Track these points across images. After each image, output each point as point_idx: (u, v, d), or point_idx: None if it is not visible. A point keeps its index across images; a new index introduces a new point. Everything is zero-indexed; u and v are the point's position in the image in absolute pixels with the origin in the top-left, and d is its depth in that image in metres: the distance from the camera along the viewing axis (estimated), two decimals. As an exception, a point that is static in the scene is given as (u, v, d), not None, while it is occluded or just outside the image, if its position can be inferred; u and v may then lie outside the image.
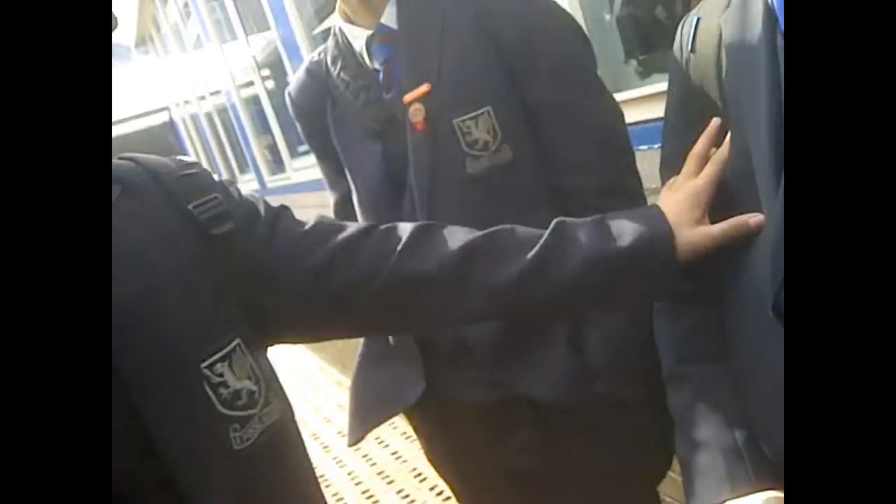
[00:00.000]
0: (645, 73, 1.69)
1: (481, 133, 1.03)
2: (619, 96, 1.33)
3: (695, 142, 0.82)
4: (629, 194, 1.06)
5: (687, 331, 0.85)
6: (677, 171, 0.85)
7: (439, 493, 2.72)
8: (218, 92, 6.06)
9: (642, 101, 1.51)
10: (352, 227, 0.89)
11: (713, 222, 0.81)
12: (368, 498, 2.92)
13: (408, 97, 1.05)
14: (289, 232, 0.87)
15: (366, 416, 1.21)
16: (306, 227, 0.88)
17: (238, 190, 0.89)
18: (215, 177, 0.88)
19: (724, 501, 0.75)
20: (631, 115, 1.29)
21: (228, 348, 0.77)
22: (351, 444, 1.23)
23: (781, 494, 0.73)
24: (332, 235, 0.87)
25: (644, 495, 1.18)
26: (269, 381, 0.82)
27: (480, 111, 1.03)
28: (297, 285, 0.85)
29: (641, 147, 1.27)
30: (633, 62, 1.74)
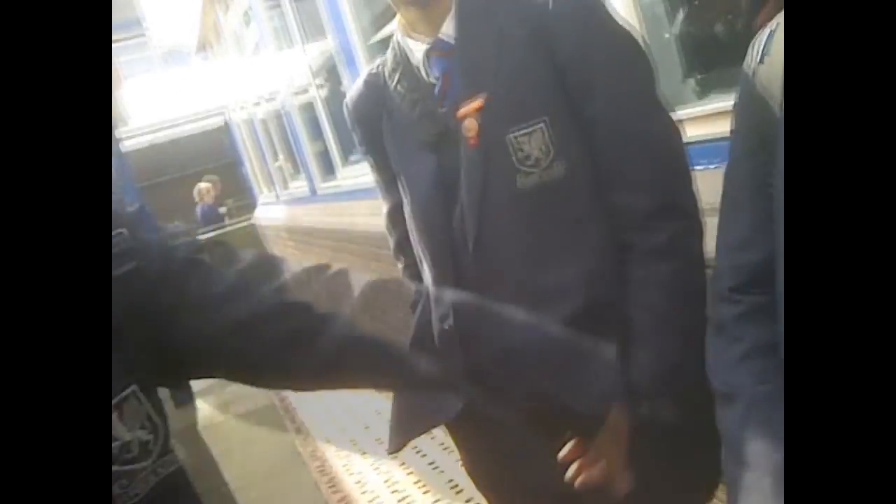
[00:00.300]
0: (703, 92, 1.68)
1: (533, 149, 1.03)
2: (676, 114, 1.33)
3: (756, 161, 0.80)
4: (684, 213, 1.04)
5: (744, 351, 0.83)
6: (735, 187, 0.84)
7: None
8: (274, 98, 6.18)
9: (700, 120, 1.50)
10: (268, 276, 0.85)
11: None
12: (404, 505, 2.92)
13: (461, 111, 1.06)
14: (200, 276, 0.81)
15: (406, 426, 1.21)
16: (219, 274, 0.82)
17: (157, 226, 0.87)
18: (129, 209, 0.85)
19: None
20: (688, 133, 1.28)
21: (120, 396, 0.71)
22: (391, 452, 1.23)
23: None
24: (246, 287, 0.82)
25: None
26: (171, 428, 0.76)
27: (534, 127, 1.02)
28: (202, 328, 0.79)
29: (698, 166, 1.25)
30: (692, 80, 1.73)
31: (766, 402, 0.80)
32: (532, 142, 1.03)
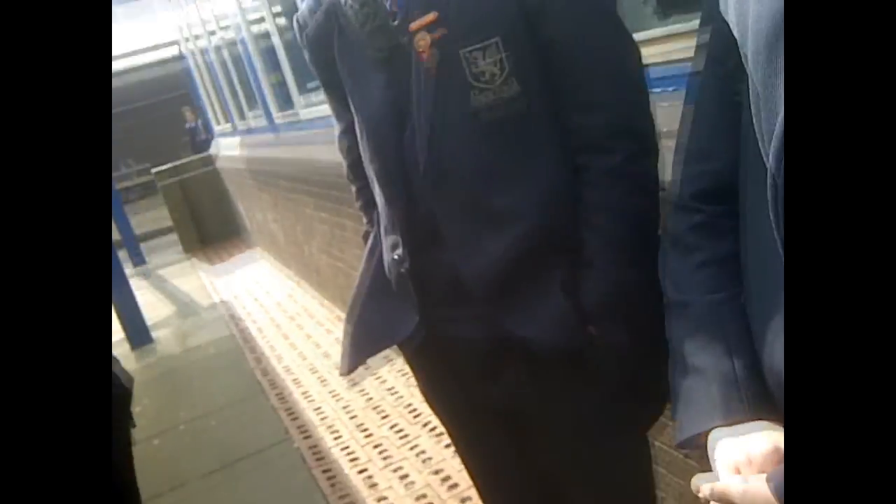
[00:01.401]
0: (664, 14, 1.64)
1: (488, 65, 1.00)
2: (636, 36, 1.28)
3: (723, 69, 0.78)
4: (639, 135, 1.03)
5: (700, 261, 0.83)
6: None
7: (432, 430, 2.78)
8: (228, 27, 5.98)
9: (659, 42, 1.47)
10: None
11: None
12: (363, 431, 2.99)
13: (414, 24, 1.03)
14: None
15: (359, 347, 1.22)
16: None
17: None
18: None
19: (715, 428, 0.75)
20: (648, 56, 1.25)
21: None
22: (343, 374, 1.24)
23: (776, 426, 0.72)
24: None
25: (634, 440, 1.18)
26: None
27: (488, 42, 0.99)
28: None
29: (655, 89, 1.24)
30: (652, 1, 1.69)
31: (717, 310, 0.80)
32: (486, 57, 1.00)
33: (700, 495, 0.73)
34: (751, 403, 0.74)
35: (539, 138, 1.04)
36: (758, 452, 0.71)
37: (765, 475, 0.67)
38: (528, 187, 1.04)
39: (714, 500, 0.71)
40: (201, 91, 8.74)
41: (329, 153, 3.60)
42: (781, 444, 0.70)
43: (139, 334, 4.89)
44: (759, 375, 0.75)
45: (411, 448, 2.73)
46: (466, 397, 1.21)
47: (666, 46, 1.45)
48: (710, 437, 0.76)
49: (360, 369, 2.84)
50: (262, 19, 4.80)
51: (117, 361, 1.52)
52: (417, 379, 1.31)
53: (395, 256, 1.12)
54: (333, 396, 3.38)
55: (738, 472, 0.72)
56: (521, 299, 1.06)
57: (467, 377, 1.18)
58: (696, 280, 0.83)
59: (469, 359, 1.15)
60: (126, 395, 1.50)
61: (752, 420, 0.74)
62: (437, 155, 1.04)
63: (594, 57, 1.01)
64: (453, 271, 1.08)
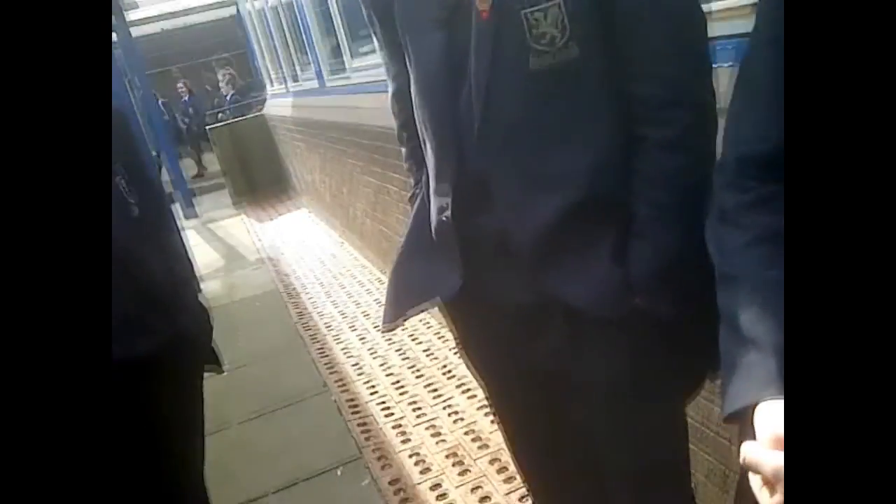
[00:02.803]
0: None
1: (549, 27, 0.98)
2: (706, 6, 1.24)
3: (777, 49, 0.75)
4: (698, 107, 1.01)
5: (752, 238, 0.81)
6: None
7: (466, 391, 2.86)
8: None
9: (724, 15, 1.41)
10: None
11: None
12: (398, 387, 3.08)
13: None
14: None
15: (401, 301, 1.24)
16: None
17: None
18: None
19: (768, 400, 0.72)
20: (714, 30, 1.18)
21: None
22: (384, 329, 1.27)
23: None
24: None
25: (671, 410, 1.18)
26: None
27: (551, 3, 0.97)
28: None
29: (721, 64, 1.18)
30: None
31: (772, 286, 0.77)
32: (548, 19, 0.98)
33: (741, 460, 0.71)
34: None
35: (596, 104, 1.02)
36: None
37: None
38: (583, 153, 1.03)
39: (747, 466, 0.70)
40: (256, 52, 8.85)
41: (377, 117, 3.65)
42: None
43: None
44: None
45: (444, 407, 2.81)
46: (505, 356, 1.22)
47: (733, 22, 1.39)
48: (760, 408, 0.73)
49: (398, 329, 2.89)
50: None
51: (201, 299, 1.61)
52: (457, 335, 1.32)
53: (444, 217, 1.13)
54: (371, 353, 3.48)
55: (780, 443, 0.69)
56: (568, 264, 1.06)
57: (507, 337, 1.19)
58: (749, 256, 0.81)
59: (510, 320, 1.16)
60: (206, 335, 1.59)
61: None
62: (492, 115, 1.03)
63: (658, 26, 0.99)
64: (501, 233, 1.08)
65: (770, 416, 0.72)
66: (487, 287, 1.14)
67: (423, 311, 1.25)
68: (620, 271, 1.04)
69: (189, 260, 1.61)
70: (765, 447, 0.69)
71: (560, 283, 1.07)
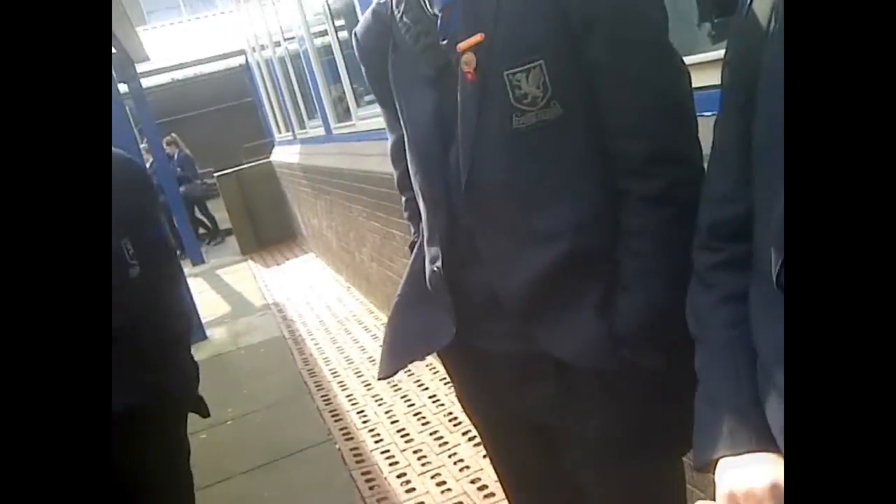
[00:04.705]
0: (718, 37, 1.63)
1: (531, 87, 1.00)
2: (689, 59, 1.27)
3: (744, 116, 0.80)
4: (683, 161, 1.02)
5: (718, 298, 0.86)
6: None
7: (471, 439, 2.81)
8: (292, 38, 6.17)
9: (713, 66, 1.44)
10: None
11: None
12: (403, 436, 3.04)
13: (461, 45, 1.04)
14: None
15: (397, 353, 1.25)
16: None
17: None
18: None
19: (721, 458, 0.77)
20: (700, 80, 1.24)
21: None
22: (380, 378, 1.27)
23: (778, 458, 0.74)
24: None
25: (665, 463, 1.17)
26: None
27: (532, 64, 0.99)
28: None
29: (706, 113, 1.19)
30: (707, 25, 1.69)
31: (732, 345, 0.82)
32: (530, 80, 1.00)
33: None
34: (757, 437, 0.76)
35: (580, 161, 1.03)
36: (757, 486, 0.73)
37: None
38: (568, 209, 1.04)
39: None
40: (264, 99, 9.01)
41: (382, 164, 3.69)
42: (780, 481, 0.72)
43: (194, 331, 5.07)
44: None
45: (450, 455, 2.77)
46: (498, 406, 1.23)
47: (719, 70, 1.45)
48: (718, 465, 0.79)
49: (404, 375, 2.87)
50: (324, 32, 4.95)
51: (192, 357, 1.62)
52: (454, 385, 1.34)
53: (435, 268, 1.15)
54: (376, 401, 3.45)
55: (734, 501, 0.74)
56: (555, 319, 1.07)
57: (500, 388, 1.19)
58: (715, 315, 0.85)
59: (502, 371, 1.17)
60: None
61: (759, 452, 0.75)
62: (478, 173, 1.05)
63: (639, 82, 1.00)
64: (490, 287, 1.09)
65: (723, 476, 0.77)
66: (480, 337, 1.16)
67: (418, 360, 1.25)
68: (607, 324, 1.04)
69: (186, 314, 1.61)
70: None
71: (548, 336, 1.08)
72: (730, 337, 0.83)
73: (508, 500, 1.41)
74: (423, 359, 1.26)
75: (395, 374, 1.25)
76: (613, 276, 1.05)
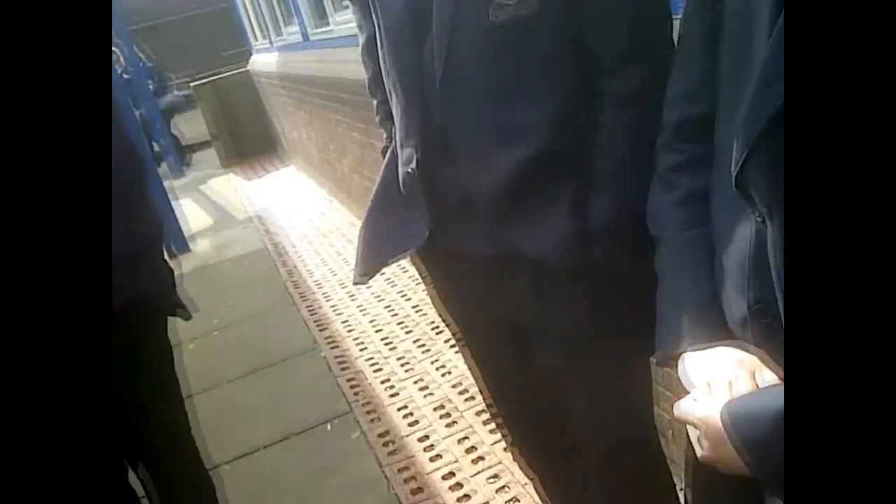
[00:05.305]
0: None
1: None
2: None
3: (710, 13, 0.79)
4: (657, 60, 1.01)
5: (677, 198, 0.87)
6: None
7: (452, 345, 2.88)
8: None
9: None
10: None
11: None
12: (387, 343, 3.11)
13: None
14: None
15: (371, 256, 1.27)
16: None
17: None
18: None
19: (686, 349, 0.80)
20: None
21: None
22: (356, 282, 1.30)
23: (737, 346, 0.76)
24: None
25: (631, 362, 1.20)
26: None
27: None
28: None
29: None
30: None
31: (690, 245, 0.85)
32: None
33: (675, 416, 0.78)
34: (718, 329, 0.79)
35: (555, 58, 1.04)
36: (722, 367, 0.75)
37: (725, 401, 0.71)
38: (541, 106, 1.04)
39: (679, 421, 0.76)
40: (240, 5, 8.67)
41: (361, 71, 3.58)
42: (744, 357, 0.75)
43: (178, 243, 5.07)
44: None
45: (432, 361, 2.85)
46: (473, 305, 1.26)
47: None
48: (680, 360, 0.82)
49: (387, 286, 2.89)
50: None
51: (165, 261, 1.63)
52: (429, 287, 1.37)
53: (409, 170, 1.15)
54: (361, 310, 3.50)
55: (704, 388, 0.76)
56: (527, 216, 1.09)
57: (474, 287, 1.23)
58: (674, 216, 0.87)
59: (476, 272, 1.20)
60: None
61: (719, 345, 0.78)
62: (453, 68, 1.05)
63: None
64: (464, 186, 1.11)
65: (686, 367, 0.79)
66: (453, 238, 1.18)
67: (393, 263, 1.27)
68: (578, 223, 1.07)
69: (157, 221, 1.60)
70: (698, 392, 0.75)
71: (519, 235, 1.10)
72: (689, 236, 0.85)
73: (490, 405, 1.46)
74: (397, 260, 1.27)
75: (371, 277, 1.28)
76: (585, 176, 1.07)
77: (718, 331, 0.79)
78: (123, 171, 1.47)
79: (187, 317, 1.65)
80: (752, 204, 0.70)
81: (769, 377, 0.71)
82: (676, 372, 0.82)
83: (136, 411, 1.49)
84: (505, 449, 2.19)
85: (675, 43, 1.00)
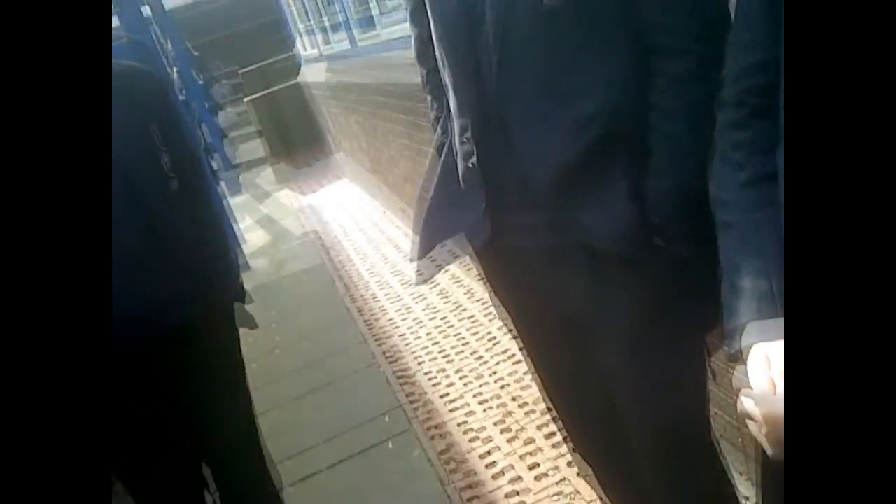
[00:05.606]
0: None
1: None
2: None
3: None
4: (715, 36, 0.97)
5: (745, 179, 0.84)
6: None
7: (510, 357, 2.85)
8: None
9: None
10: None
11: None
12: (444, 357, 3.09)
13: None
14: None
15: (429, 234, 1.24)
16: None
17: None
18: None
19: (753, 344, 0.78)
20: None
21: None
22: (413, 260, 1.28)
23: None
24: None
25: (690, 349, 1.18)
26: None
27: None
28: None
29: None
30: None
31: (758, 229, 0.82)
32: None
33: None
34: (783, 304, 0.76)
35: (611, 41, 1.01)
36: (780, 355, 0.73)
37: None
38: (600, 93, 1.03)
39: (744, 416, 0.74)
40: (289, 18, 8.81)
41: (410, 75, 3.58)
42: None
43: (238, 262, 5.16)
44: None
45: (491, 374, 2.81)
46: (532, 300, 1.25)
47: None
48: (745, 331, 0.80)
49: (441, 300, 2.86)
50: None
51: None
52: (489, 284, 1.35)
53: (470, 164, 1.14)
54: (418, 323, 3.49)
55: (774, 383, 0.74)
56: (587, 203, 1.07)
57: (534, 281, 1.21)
58: (741, 198, 0.84)
59: (534, 266, 1.18)
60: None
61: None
62: (509, 56, 1.04)
63: None
64: (523, 176, 1.09)
65: (754, 364, 0.77)
66: (513, 231, 1.16)
67: (449, 238, 1.25)
68: (639, 209, 1.04)
69: (223, 229, 1.65)
70: (756, 395, 0.73)
71: (580, 222, 1.08)
72: (759, 218, 0.82)
73: (547, 402, 1.45)
74: (454, 235, 1.25)
75: (427, 254, 1.26)
76: (645, 161, 1.04)
77: (783, 304, 0.76)
78: (190, 183, 1.50)
79: (253, 326, 1.67)
80: None
81: None
82: (746, 364, 0.79)
83: (210, 422, 1.51)
84: (569, 464, 2.14)
85: (733, 18, 0.96)
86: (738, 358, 0.82)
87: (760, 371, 0.75)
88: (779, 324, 0.76)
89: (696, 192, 0.95)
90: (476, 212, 1.16)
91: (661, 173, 1.03)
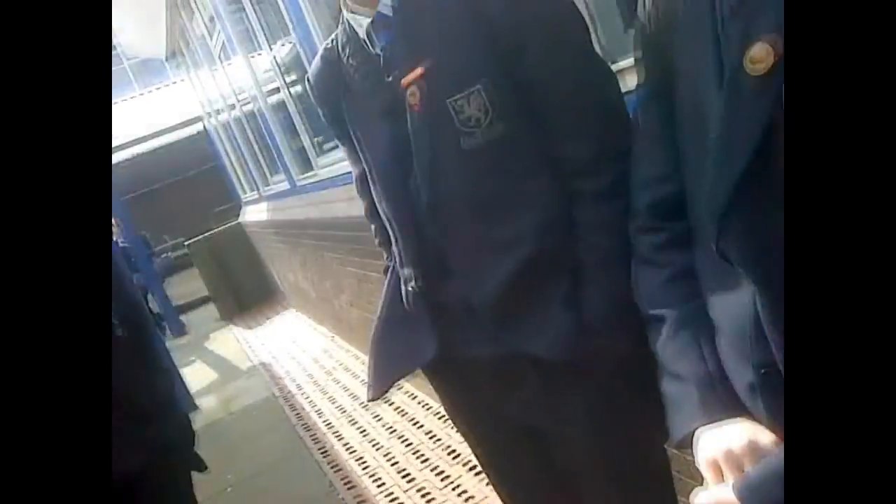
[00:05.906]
0: None
1: (473, 111, 1.08)
2: (621, 64, 1.39)
3: (663, 102, 0.85)
4: (625, 157, 1.04)
5: (669, 276, 0.89)
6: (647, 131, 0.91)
7: (471, 468, 2.81)
8: (248, 101, 6.23)
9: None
10: None
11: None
12: (405, 476, 3.03)
13: (405, 80, 1.11)
14: None
15: (383, 373, 1.30)
16: None
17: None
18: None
19: (698, 427, 0.80)
20: (632, 82, 1.32)
21: None
22: (370, 399, 1.32)
23: (751, 421, 0.76)
24: None
25: (651, 453, 1.21)
26: None
27: (471, 90, 1.07)
28: None
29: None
30: (632, 31, 1.77)
31: (690, 319, 0.86)
32: (471, 104, 1.07)
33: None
34: (728, 405, 0.79)
35: (530, 170, 1.11)
36: (735, 445, 0.75)
37: (731, 483, 0.71)
38: (525, 216, 1.11)
39: None
40: (226, 162, 9.04)
41: (349, 209, 3.72)
42: (757, 437, 0.75)
43: (185, 402, 5.01)
44: None
45: (453, 489, 2.76)
46: (485, 413, 1.28)
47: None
48: (694, 437, 0.81)
49: (398, 416, 2.86)
50: (277, 90, 5.01)
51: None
52: (442, 401, 1.38)
53: (411, 287, 1.21)
54: (374, 446, 3.43)
55: (717, 468, 0.76)
56: (526, 317, 1.13)
57: (484, 394, 1.25)
58: (668, 294, 0.89)
59: (484, 377, 1.22)
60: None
61: (732, 418, 0.78)
62: (438, 195, 1.13)
63: (572, 90, 1.08)
64: (464, 298, 1.16)
65: (700, 444, 0.79)
66: (461, 347, 1.21)
67: (404, 377, 1.30)
68: (575, 316, 1.10)
69: (169, 372, 1.67)
70: (708, 488, 0.74)
71: (521, 335, 1.14)
72: (686, 311, 0.86)
73: None
74: (408, 374, 1.30)
75: (384, 393, 1.30)
76: (576, 271, 1.11)
77: (729, 404, 0.79)
78: (135, 330, 1.53)
79: (203, 468, 1.65)
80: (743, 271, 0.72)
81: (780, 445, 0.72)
82: (692, 451, 0.81)
83: None
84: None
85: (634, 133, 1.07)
86: (682, 446, 0.84)
87: (707, 456, 0.78)
88: (723, 400, 0.79)
89: (625, 295, 1.01)
90: (424, 331, 1.22)
91: (590, 282, 1.09)
